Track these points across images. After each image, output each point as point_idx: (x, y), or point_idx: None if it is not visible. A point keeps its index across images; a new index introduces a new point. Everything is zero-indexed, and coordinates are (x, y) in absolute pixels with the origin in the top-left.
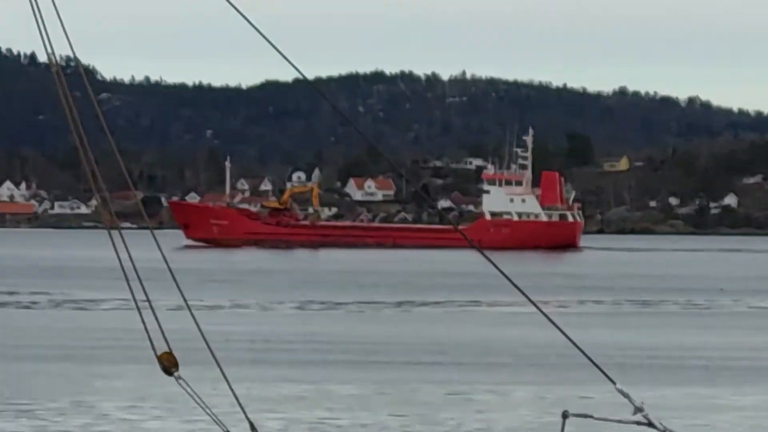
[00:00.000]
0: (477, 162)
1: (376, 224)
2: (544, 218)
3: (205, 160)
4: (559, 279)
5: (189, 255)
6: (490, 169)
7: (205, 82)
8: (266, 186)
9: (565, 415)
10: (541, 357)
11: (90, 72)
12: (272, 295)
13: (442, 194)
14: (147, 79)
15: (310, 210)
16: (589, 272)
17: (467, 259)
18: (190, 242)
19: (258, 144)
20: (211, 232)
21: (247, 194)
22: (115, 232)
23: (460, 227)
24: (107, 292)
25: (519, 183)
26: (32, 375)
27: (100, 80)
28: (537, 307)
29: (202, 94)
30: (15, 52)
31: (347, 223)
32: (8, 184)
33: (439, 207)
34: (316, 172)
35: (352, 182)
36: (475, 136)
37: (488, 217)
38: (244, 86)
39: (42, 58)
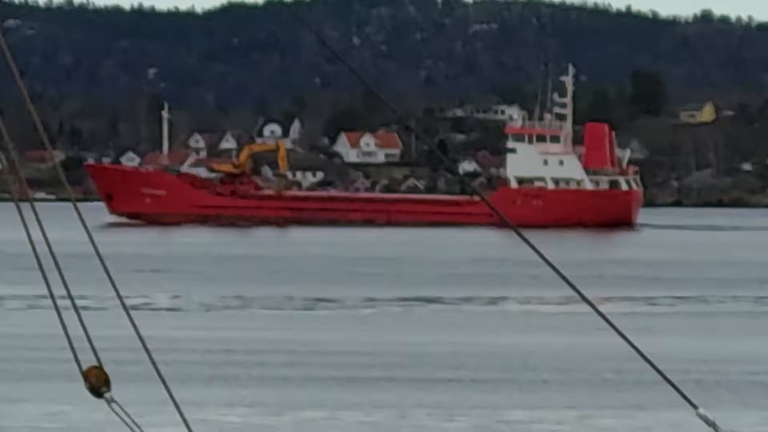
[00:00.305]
0: (511, 111)
1: (363, 195)
2: (588, 186)
3: (146, 109)
4: (609, 267)
5: (112, 235)
6: (517, 121)
7: (147, 5)
8: (229, 143)
9: None
10: (591, 372)
11: None
12: (226, 290)
13: (464, 154)
14: (69, 1)
15: (273, 175)
16: (649, 258)
17: (485, 240)
18: (115, 218)
19: (218, 88)
20: (143, 204)
21: (203, 154)
22: (26, 206)
23: (477, 198)
24: (14, 285)
25: (555, 139)
26: None
27: (5, 2)
28: (591, 305)
29: (143, 21)
30: None
31: (324, 192)
32: None
33: (461, 171)
34: (296, 125)
35: (343, 138)
36: (509, 76)
37: (514, 184)
38: (199, 11)
39: None
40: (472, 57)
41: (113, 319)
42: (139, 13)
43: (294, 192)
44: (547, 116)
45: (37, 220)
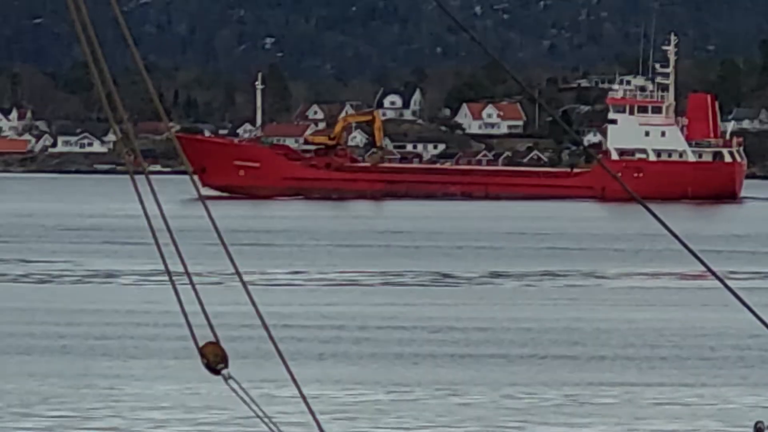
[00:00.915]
0: (637, 81)
1: (461, 167)
2: (691, 158)
3: (264, 78)
4: (714, 241)
5: (197, 209)
6: (618, 91)
7: None
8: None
9: (759, 429)
10: (712, 349)
11: None
12: (324, 264)
13: (588, 125)
14: None
15: (371, 148)
16: (756, 232)
17: (586, 213)
18: (207, 191)
19: (337, 57)
20: (236, 177)
21: (321, 126)
22: (140, 178)
23: (577, 170)
24: (128, 260)
25: (657, 110)
26: (34, 373)
27: None
28: (720, 280)
29: None
30: None
31: (420, 165)
32: None
33: (585, 143)
34: (417, 96)
35: (465, 109)
36: (635, 45)
37: (615, 156)
38: None
39: None
40: (597, 26)
41: (227, 295)
42: None
43: (390, 164)
44: (649, 86)
45: (153, 193)
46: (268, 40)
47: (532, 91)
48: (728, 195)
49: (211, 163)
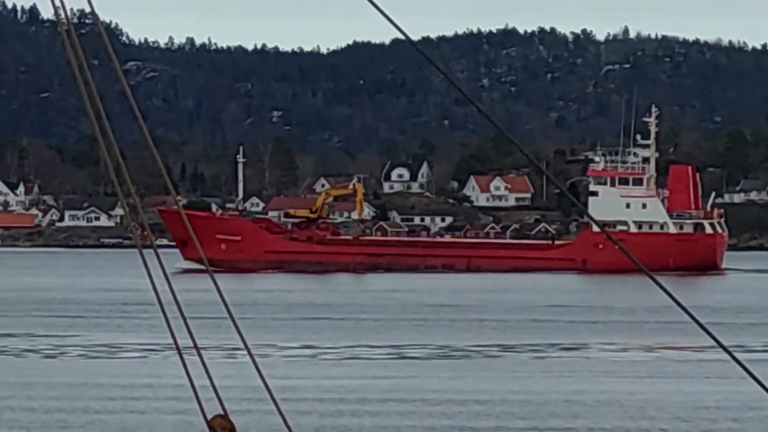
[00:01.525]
0: (644, 153)
1: (445, 239)
2: (672, 229)
3: (271, 152)
4: (696, 313)
5: (186, 281)
6: (599, 163)
7: (270, 45)
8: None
9: None
10: (713, 422)
11: (112, 32)
12: (318, 337)
13: None
14: (190, 41)
15: (353, 220)
16: (737, 303)
17: (570, 285)
18: (189, 264)
19: (344, 130)
20: (218, 250)
21: (329, 200)
22: (149, 252)
23: (559, 242)
24: (132, 334)
25: (638, 182)
26: None
27: (125, 44)
28: (728, 352)
29: (266, 62)
30: (9, 5)
31: (402, 238)
32: (0, 185)
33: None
34: (424, 169)
35: (473, 181)
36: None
37: (596, 228)
38: (324, 50)
39: (46, 13)
40: (604, 97)
41: (227, 368)
42: (262, 53)
43: (372, 237)
44: (630, 158)
45: (162, 267)
46: (275, 113)
47: (539, 163)
48: (710, 266)
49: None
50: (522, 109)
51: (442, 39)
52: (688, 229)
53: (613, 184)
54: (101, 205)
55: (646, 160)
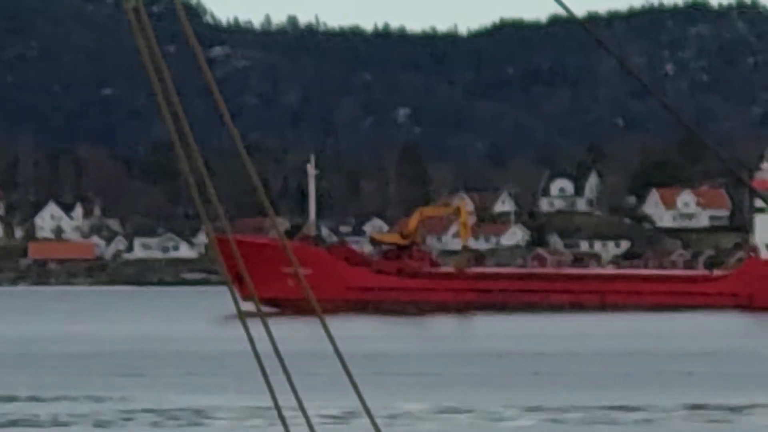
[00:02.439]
0: None
1: (570, 271)
2: None
3: (398, 160)
4: None
5: (240, 329)
6: (767, 170)
7: (394, 24)
8: (505, 205)
9: None
10: None
11: (193, 11)
12: (432, 396)
13: None
14: (293, 22)
15: (456, 247)
16: None
17: (731, 326)
18: (248, 305)
19: (490, 132)
20: (284, 287)
21: (471, 219)
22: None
23: (718, 272)
24: (224, 392)
25: None
26: None
27: (210, 25)
28: None
29: (390, 47)
30: None
31: (521, 269)
32: (52, 207)
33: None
34: (593, 180)
35: (655, 196)
36: None
37: (765, 254)
38: (463, 31)
39: None
40: None
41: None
42: (385, 35)
43: (480, 269)
44: None
45: (266, 327)
46: (402, 112)
47: (740, 171)
48: None
49: (253, 271)
50: (717, 103)
51: (614, 16)
52: None
53: None
54: (180, 231)
55: None
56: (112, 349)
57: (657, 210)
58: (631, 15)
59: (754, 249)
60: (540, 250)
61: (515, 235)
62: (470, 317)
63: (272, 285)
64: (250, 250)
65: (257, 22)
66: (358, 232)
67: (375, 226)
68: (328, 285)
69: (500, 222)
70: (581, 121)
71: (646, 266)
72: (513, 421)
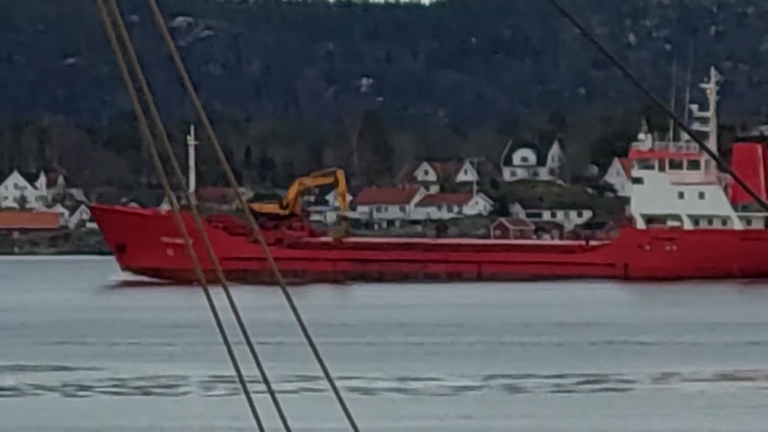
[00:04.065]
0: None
1: (446, 241)
2: (737, 225)
3: (360, 130)
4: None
5: (124, 297)
6: (645, 141)
7: None
8: (468, 175)
9: None
10: None
11: None
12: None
13: None
14: None
15: (332, 217)
16: None
17: (607, 297)
18: (128, 275)
19: (452, 102)
20: (163, 256)
21: (434, 189)
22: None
23: (594, 243)
24: (188, 362)
25: (694, 165)
26: None
27: None
28: None
29: (352, 16)
30: None
31: (400, 239)
32: (16, 176)
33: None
34: (555, 150)
35: (617, 165)
36: None
37: (641, 224)
38: (426, 2)
39: None
40: None
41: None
42: (347, 5)
43: (357, 239)
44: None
45: (226, 292)
46: (365, 81)
47: (701, 141)
48: None
49: (133, 240)
50: (678, 72)
51: None
52: (758, 224)
53: (662, 169)
54: (144, 200)
55: (703, 136)
56: (78, 317)
57: (619, 179)
58: None
59: (630, 219)
60: (502, 220)
61: (477, 205)
62: (347, 287)
63: (152, 255)
64: (130, 220)
65: None
66: (321, 201)
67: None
68: (206, 255)
69: (462, 192)
70: (543, 91)
71: (608, 236)
72: (375, 394)
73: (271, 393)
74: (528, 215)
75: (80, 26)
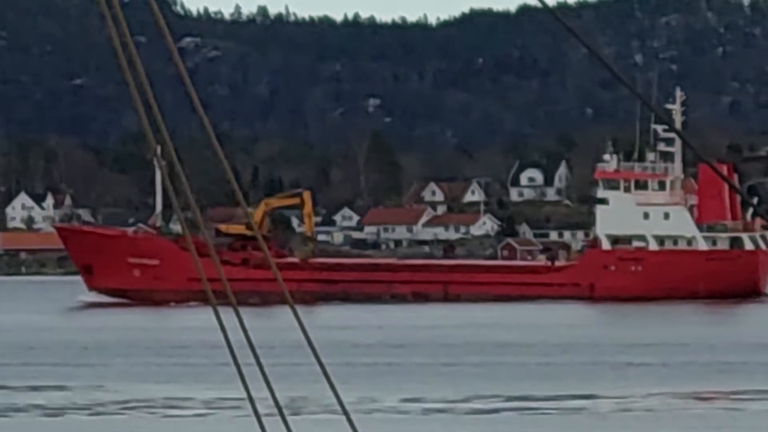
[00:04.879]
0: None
1: (413, 261)
2: (702, 245)
3: (367, 150)
4: (734, 351)
5: (94, 318)
6: (610, 162)
7: (364, 14)
8: (475, 195)
9: None
10: None
11: (164, 2)
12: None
13: None
14: (263, 11)
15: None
16: None
17: (573, 318)
18: (94, 296)
19: (459, 122)
20: (130, 277)
21: (441, 210)
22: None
23: (559, 264)
24: (196, 384)
25: (660, 185)
26: None
27: (181, 15)
28: None
29: (359, 36)
30: None
31: (363, 260)
32: (23, 197)
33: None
34: (562, 170)
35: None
36: None
37: (606, 245)
38: (432, 21)
39: None
40: None
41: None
42: (354, 25)
43: (324, 259)
44: (650, 156)
45: (236, 313)
46: (372, 102)
47: (709, 160)
48: (750, 291)
49: (100, 261)
50: (686, 92)
51: (583, 5)
52: (723, 245)
53: (627, 189)
54: (150, 220)
55: (669, 157)
56: (85, 339)
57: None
58: (601, 4)
59: (595, 239)
60: (510, 240)
61: (485, 225)
62: (312, 308)
63: (119, 275)
64: (96, 241)
65: (227, 12)
66: (328, 222)
67: (345, 216)
68: (174, 275)
69: (470, 212)
70: (551, 112)
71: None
72: (372, 407)
73: (283, 417)
74: (535, 235)
75: (87, 47)
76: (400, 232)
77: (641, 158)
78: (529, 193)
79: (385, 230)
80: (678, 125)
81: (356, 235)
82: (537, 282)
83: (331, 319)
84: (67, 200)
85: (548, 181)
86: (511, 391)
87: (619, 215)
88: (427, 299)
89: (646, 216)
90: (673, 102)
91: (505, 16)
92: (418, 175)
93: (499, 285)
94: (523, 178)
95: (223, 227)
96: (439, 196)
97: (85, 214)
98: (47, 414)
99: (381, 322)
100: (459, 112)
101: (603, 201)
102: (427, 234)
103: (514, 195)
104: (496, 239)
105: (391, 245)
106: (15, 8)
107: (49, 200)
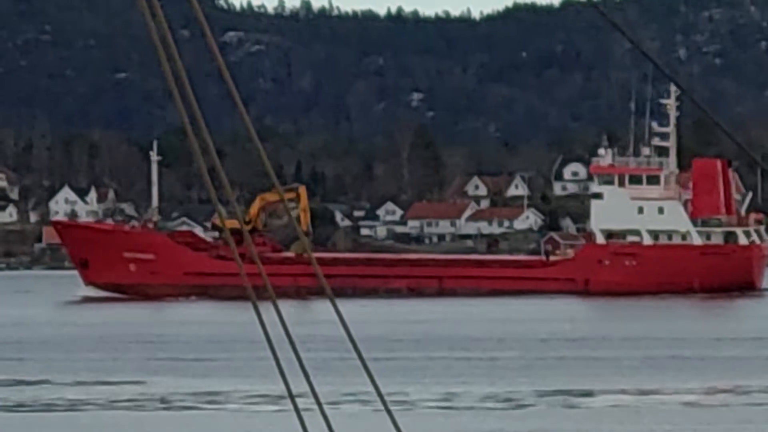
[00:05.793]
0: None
1: (408, 256)
2: (696, 240)
3: (411, 145)
4: (728, 345)
5: (90, 312)
6: (604, 156)
7: (408, 8)
8: (519, 189)
9: None
10: None
11: None
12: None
13: None
14: (306, 5)
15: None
16: None
17: (568, 312)
18: (91, 290)
19: (503, 117)
20: (125, 272)
21: (484, 204)
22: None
23: (554, 258)
24: (236, 377)
25: (654, 180)
26: None
27: (223, 9)
28: None
29: (403, 31)
30: None
31: (358, 255)
32: (67, 191)
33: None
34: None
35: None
36: None
37: (600, 239)
38: (476, 16)
39: None
40: None
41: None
42: (398, 20)
43: (319, 254)
44: (645, 150)
45: (276, 308)
46: (415, 96)
47: (754, 155)
48: (745, 285)
49: (96, 256)
50: (729, 86)
51: (627, 0)
52: (717, 239)
53: (621, 184)
54: (194, 215)
55: (663, 151)
56: (123, 332)
57: None
58: None
59: (590, 234)
60: (553, 234)
61: (528, 220)
62: (307, 303)
63: (115, 270)
64: (92, 235)
65: (271, 6)
66: (372, 216)
67: (389, 210)
68: (169, 270)
69: (513, 206)
70: (594, 106)
71: None
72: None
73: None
74: (578, 230)
75: (131, 41)
76: (444, 227)
77: (636, 153)
78: (572, 187)
79: (429, 225)
80: (672, 121)
81: (399, 229)
82: (532, 276)
83: (325, 313)
84: (111, 194)
85: (591, 175)
86: (505, 384)
87: (614, 210)
88: (422, 294)
89: (640, 210)
90: (668, 96)
91: (548, 10)
92: (461, 170)
93: (494, 279)
94: (567, 173)
95: (217, 220)
96: (483, 191)
97: (128, 208)
98: (47, 410)
99: (374, 317)
100: (502, 107)
101: (597, 195)
102: (471, 228)
103: (557, 189)
104: (539, 233)
105: (435, 239)
106: (58, 4)
107: (93, 194)
